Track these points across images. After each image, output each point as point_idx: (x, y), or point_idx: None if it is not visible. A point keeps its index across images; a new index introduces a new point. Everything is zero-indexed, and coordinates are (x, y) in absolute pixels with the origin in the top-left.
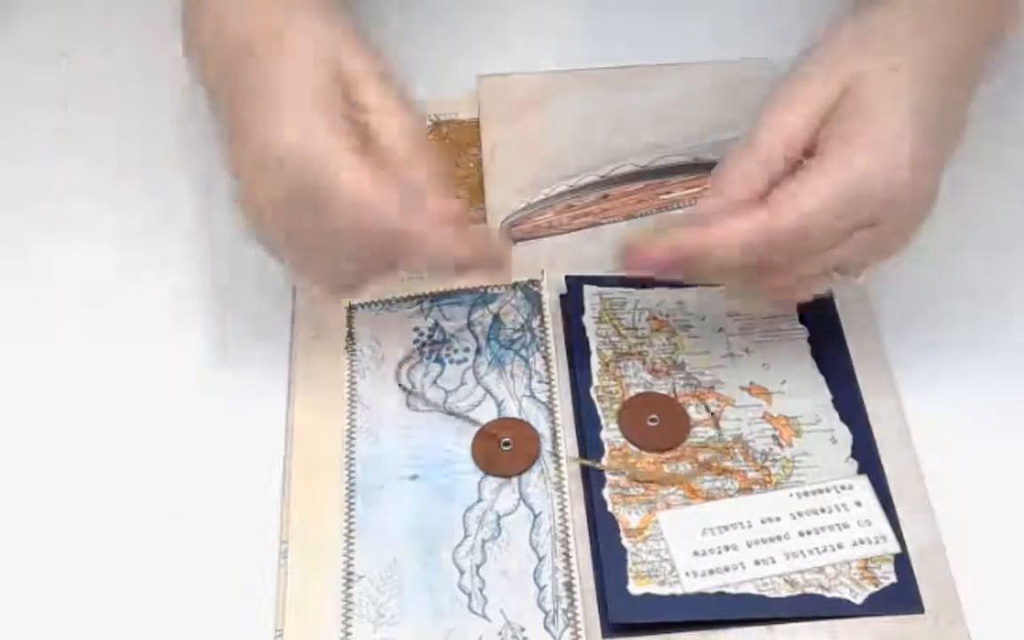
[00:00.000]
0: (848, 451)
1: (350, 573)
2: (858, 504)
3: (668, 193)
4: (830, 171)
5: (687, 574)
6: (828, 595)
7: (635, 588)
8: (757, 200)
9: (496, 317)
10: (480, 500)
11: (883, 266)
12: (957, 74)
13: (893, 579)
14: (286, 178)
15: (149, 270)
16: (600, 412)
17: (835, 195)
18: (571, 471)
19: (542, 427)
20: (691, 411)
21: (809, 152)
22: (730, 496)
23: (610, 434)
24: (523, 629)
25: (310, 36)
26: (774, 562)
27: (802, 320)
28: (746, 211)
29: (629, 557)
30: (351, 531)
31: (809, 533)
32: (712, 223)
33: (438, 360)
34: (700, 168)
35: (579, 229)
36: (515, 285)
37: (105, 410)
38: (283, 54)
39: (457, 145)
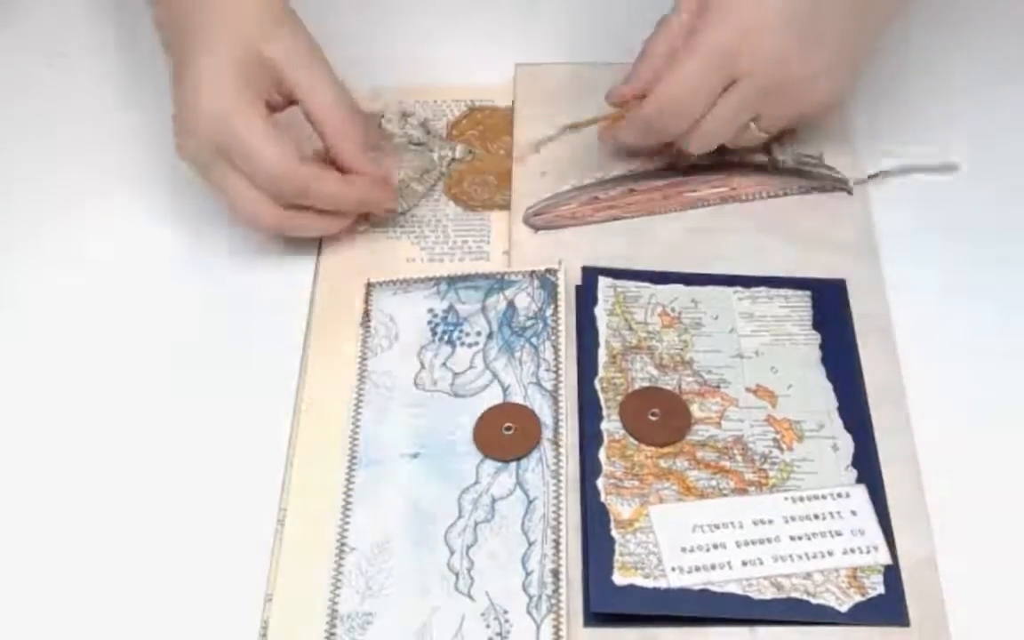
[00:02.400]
0: (848, 460)
1: (343, 545)
2: (853, 513)
3: (694, 191)
4: (690, 45)
5: (673, 569)
6: (813, 601)
7: (620, 579)
8: None
9: (511, 303)
10: (477, 482)
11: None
12: None
13: (881, 590)
14: (207, 131)
15: (149, 268)
16: (603, 402)
17: (693, 63)
18: (569, 460)
19: (545, 415)
20: (694, 409)
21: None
22: (724, 495)
23: (610, 425)
24: (506, 612)
25: (234, 26)
26: (762, 564)
27: (815, 327)
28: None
29: (617, 548)
30: (348, 504)
31: (800, 538)
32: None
33: (449, 342)
34: (727, 168)
35: (602, 221)
36: (532, 273)
37: (111, 377)
38: (209, 46)
39: (491, 131)
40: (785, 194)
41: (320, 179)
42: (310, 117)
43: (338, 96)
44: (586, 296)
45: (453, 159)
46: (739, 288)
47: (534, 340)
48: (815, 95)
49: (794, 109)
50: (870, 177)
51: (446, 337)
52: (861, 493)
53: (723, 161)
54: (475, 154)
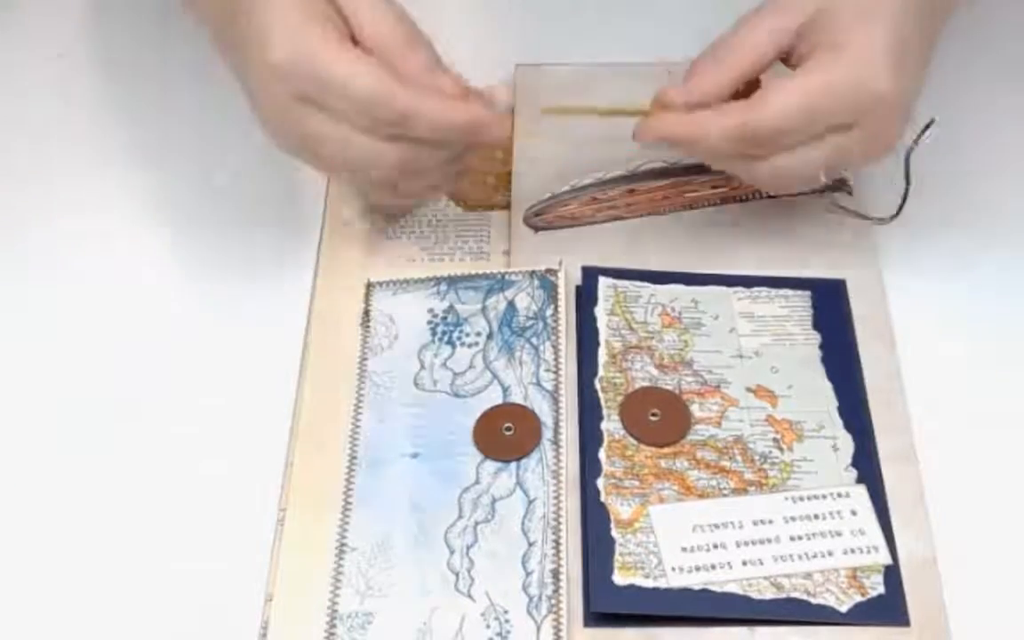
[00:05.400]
0: (848, 460)
1: (343, 545)
2: (853, 513)
3: (694, 191)
4: (806, 76)
5: (673, 569)
6: (813, 601)
7: (620, 579)
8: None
9: (511, 304)
10: (477, 482)
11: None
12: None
13: (881, 590)
14: (285, 87)
15: (149, 267)
16: (603, 402)
17: (809, 98)
18: (569, 460)
19: (545, 415)
20: (694, 409)
21: (786, 59)
22: (724, 495)
23: (610, 425)
24: (506, 612)
25: None
26: (762, 564)
27: (815, 327)
28: (727, 107)
29: (617, 548)
30: (348, 504)
31: (800, 538)
32: (697, 115)
33: (449, 342)
34: None
35: (602, 222)
36: (532, 273)
37: (110, 376)
38: None
39: None
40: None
41: (424, 97)
42: (368, 43)
43: (395, 14)
44: (586, 296)
45: None
46: (739, 288)
47: (534, 340)
48: (895, 138)
49: (878, 153)
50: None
51: (446, 337)
52: (861, 493)
53: None
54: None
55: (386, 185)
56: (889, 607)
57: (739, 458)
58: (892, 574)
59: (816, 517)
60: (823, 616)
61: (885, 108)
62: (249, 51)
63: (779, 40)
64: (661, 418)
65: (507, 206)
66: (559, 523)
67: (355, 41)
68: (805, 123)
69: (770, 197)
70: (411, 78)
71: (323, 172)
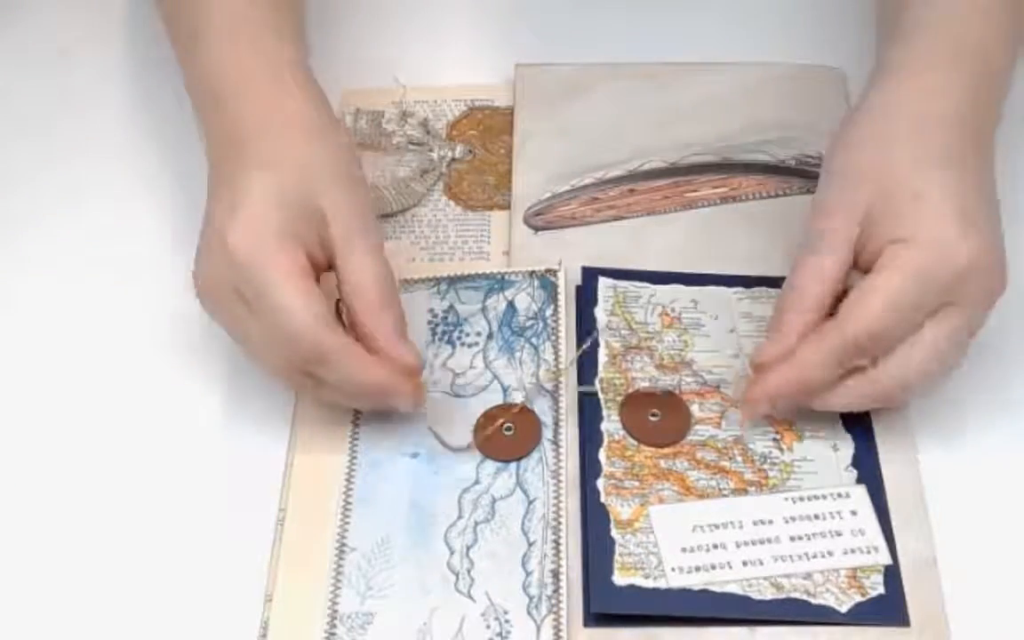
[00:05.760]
0: (848, 460)
1: (343, 545)
2: (853, 513)
3: (694, 191)
4: (889, 274)
5: (673, 569)
6: (813, 601)
7: (620, 579)
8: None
9: (511, 304)
10: (477, 482)
11: None
12: (978, 131)
13: (881, 590)
14: (229, 271)
15: (150, 267)
16: (603, 403)
17: (893, 296)
18: (569, 461)
19: (545, 415)
20: (694, 409)
21: (861, 262)
22: (724, 495)
23: (610, 425)
24: (506, 612)
25: (294, 157)
26: (762, 564)
27: None
28: (818, 332)
29: (617, 548)
30: (348, 504)
31: (800, 538)
32: (793, 355)
33: (449, 342)
34: (728, 168)
35: (602, 222)
36: (532, 273)
37: (110, 382)
38: (261, 167)
39: (490, 131)
40: (785, 194)
41: (346, 353)
42: (345, 286)
43: (381, 271)
44: (586, 296)
45: (453, 159)
46: (739, 288)
47: (534, 340)
48: (1001, 286)
49: (991, 307)
50: None
51: (446, 337)
52: (861, 493)
53: (725, 162)
54: (475, 154)
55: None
56: (889, 607)
57: (739, 458)
58: (892, 574)
59: (816, 517)
60: (823, 616)
61: (972, 274)
62: (218, 204)
63: (844, 256)
64: (661, 418)
65: (507, 206)
66: (559, 523)
67: (324, 267)
68: (896, 321)
69: (770, 198)
70: (369, 337)
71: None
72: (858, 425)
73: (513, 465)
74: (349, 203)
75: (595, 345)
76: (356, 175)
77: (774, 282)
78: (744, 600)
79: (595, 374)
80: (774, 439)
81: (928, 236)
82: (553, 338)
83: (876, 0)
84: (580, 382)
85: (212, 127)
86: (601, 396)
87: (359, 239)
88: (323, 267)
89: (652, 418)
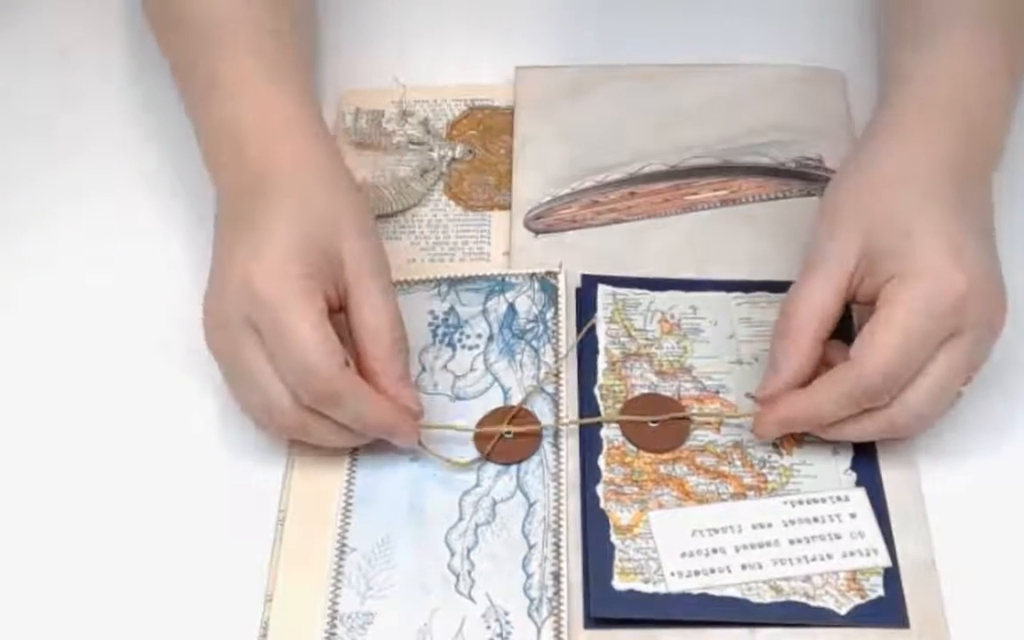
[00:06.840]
0: (848, 463)
1: (343, 545)
2: (852, 516)
3: (695, 194)
4: (890, 310)
5: (672, 574)
6: (812, 604)
7: (620, 584)
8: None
9: (511, 306)
10: (478, 485)
11: None
12: (970, 172)
13: (880, 592)
14: (245, 305)
15: (151, 266)
16: (602, 410)
17: (906, 326)
18: (569, 463)
19: (546, 418)
20: (694, 414)
21: (859, 295)
22: (723, 500)
23: (609, 431)
24: (507, 614)
25: (319, 208)
26: (761, 567)
27: None
28: (830, 376)
29: (616, 553)
30: (349, 505)
31: (799, 541)
32: (809, 393)
33: (450, 344)
34: (729, 171)
35: (602, 224)
36: (532, 276)
37: (110, 382)
38: (288, 216)
39: (490, 131)
40: (786, 196)
41: (357, 392)
42: (360, 329)
43: (395, 316)
44: (585, 303)
45: (453, 159)
46: (738, 293)
47: (535, 343)
48: (1003, 309)
49: (998, 332)
50: None
51: (447, 339)
52: (860, 496)
53: (725, 165)
54: (475, 154)
55: (270, 428)
56: (888, 609)
57: (738, 463)
58: (891, 577)
59: (815, 520)
60: (822, 618)
61: (973, 298)
62: (239, 245)
63: (840, 291)
64: (660, 424)
65: (507, 207)
66: (559, 526)
67: (336, 309)
68: (907, 354)
69: (770, 200)
70: (377, 377)
71: (229, 390)
72: None
73: (513, 468)
74: (365, 250)
75: (593, 330)
76: (370, 225)
77: (773, 287)
78: (743, 603)
79: (595, 381)
80: (773, 444)
81: (923, 267)
82: (553, 341)
83: (878, 6)
84: (580, 384)
85: (230, 168)
86: (601, 404)
87: (373, 283)
88: (336, 308)
89: (651, 424)
